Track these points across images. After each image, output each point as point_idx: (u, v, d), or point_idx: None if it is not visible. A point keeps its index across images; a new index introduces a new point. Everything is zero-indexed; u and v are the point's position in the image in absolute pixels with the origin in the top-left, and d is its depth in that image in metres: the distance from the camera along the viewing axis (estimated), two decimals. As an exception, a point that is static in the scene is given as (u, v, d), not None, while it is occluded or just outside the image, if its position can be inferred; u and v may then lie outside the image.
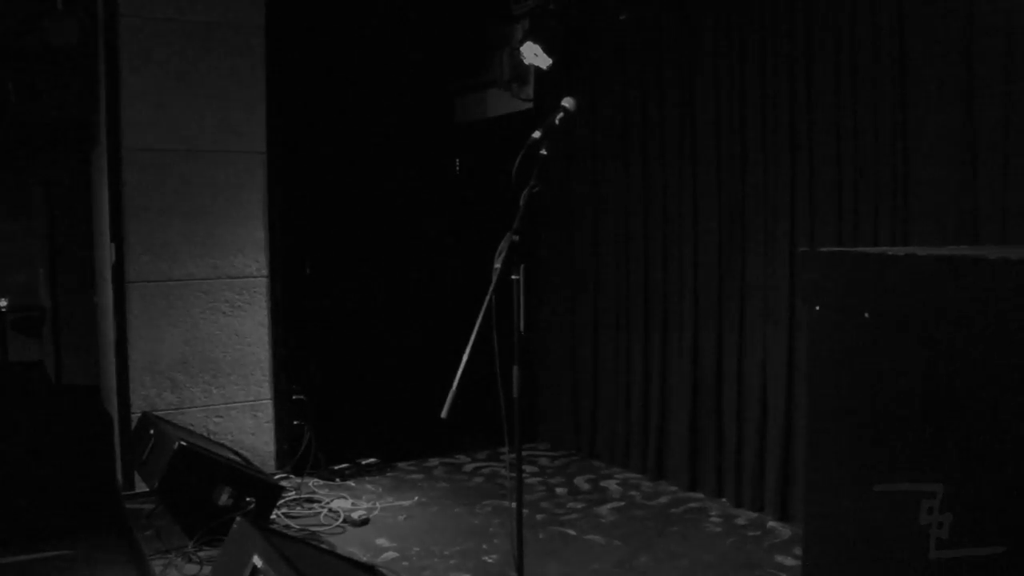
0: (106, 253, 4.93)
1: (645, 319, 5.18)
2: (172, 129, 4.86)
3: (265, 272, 5.17)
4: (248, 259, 5.11)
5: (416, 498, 4.82)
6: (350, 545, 4.09)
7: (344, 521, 4.40)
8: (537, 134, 3.17)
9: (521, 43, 5.53)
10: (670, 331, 5.03)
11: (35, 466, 4.75)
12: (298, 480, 4.99)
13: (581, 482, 5.14)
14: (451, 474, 5.32)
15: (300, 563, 2.46)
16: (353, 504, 4.65)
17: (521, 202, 3.12)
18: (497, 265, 3.04)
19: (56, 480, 4.72)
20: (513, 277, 3.06)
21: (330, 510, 4.54)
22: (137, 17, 4.74)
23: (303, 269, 6.12)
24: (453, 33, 6.49)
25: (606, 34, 5.35)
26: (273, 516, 4.26)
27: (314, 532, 4.26)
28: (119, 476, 4.89)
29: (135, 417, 4.79)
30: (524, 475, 3.98)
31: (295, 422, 5.23)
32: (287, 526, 4.31)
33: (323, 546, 3.94)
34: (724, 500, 4.71)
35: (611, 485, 5.07)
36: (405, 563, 3.90)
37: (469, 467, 5.45)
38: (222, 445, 4.84)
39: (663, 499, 4.79)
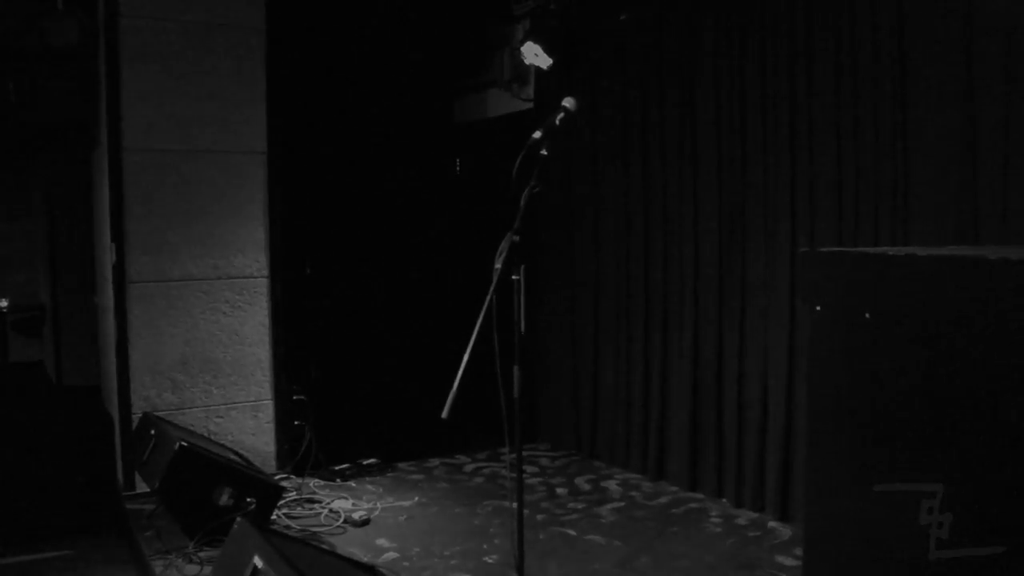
0: (106, 253, 4.93)
1: (645, 319, 5.18)
2: (172, 129, 4.86)
3: (265, 272, 5.17)
4: (248, 259, 5.12)
5: (417, 498, 4.82)
6: (351, 545, 4.09)
7: (345, 521, 4.40)
8: (537, 134, 3.17)
9: (522, 43, 5.53)
10: (670, 331, 5.03)
11: (35, 466, 4.74)
12: (299, 480, 4.99)
13: (581, 482, 5.14)
14: (452, 474, 5.32)
15: (300, 563, 2.46)
16: (354, 504, 4.65)
17: (521, 202, 3.12)
18: (497, 265, 3.04)
19: (56, 480, 4.72)
20: (513, 277, 3.06)
21: (331, 510, 4.54)
22: (137, 17, 4.74)
23: (303, 269, 6.12)
24: (453, 33, 6.49)
25: (606, 34, 5.35)
26: (274, 516, 4.27)
27: (315, 532, 4.26)
28: (120, 476, 4.89)
29: (136, 417, 4.79)
30: (524, 475, 3.98)
31: (296, 422, 5.23)
32: (287, 526, 4.31)
33: (323, 546, 3.94)
34: (724, 500, 4.71)
35: (611, 485, 5.07)
36: (405, 563, 3.90)
37: (470, 467, 5.46)
38: (223, 445, 4.85)
39: (663, 499, 4.79)
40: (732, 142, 4.59)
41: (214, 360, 5.04)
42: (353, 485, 5.04)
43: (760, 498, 4.49)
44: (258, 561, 2.47)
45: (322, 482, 5.03)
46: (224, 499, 3.97)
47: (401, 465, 5.45)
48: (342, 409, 5.96)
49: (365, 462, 5.30)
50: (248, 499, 4.02)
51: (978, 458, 1.83)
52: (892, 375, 2.06)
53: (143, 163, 4.81)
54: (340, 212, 6.42)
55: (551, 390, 5.99)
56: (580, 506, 4.69)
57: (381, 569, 3.71)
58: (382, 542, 4.16)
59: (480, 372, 3.03)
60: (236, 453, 4.72)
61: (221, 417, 5.08)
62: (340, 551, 3.86)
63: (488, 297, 3.00)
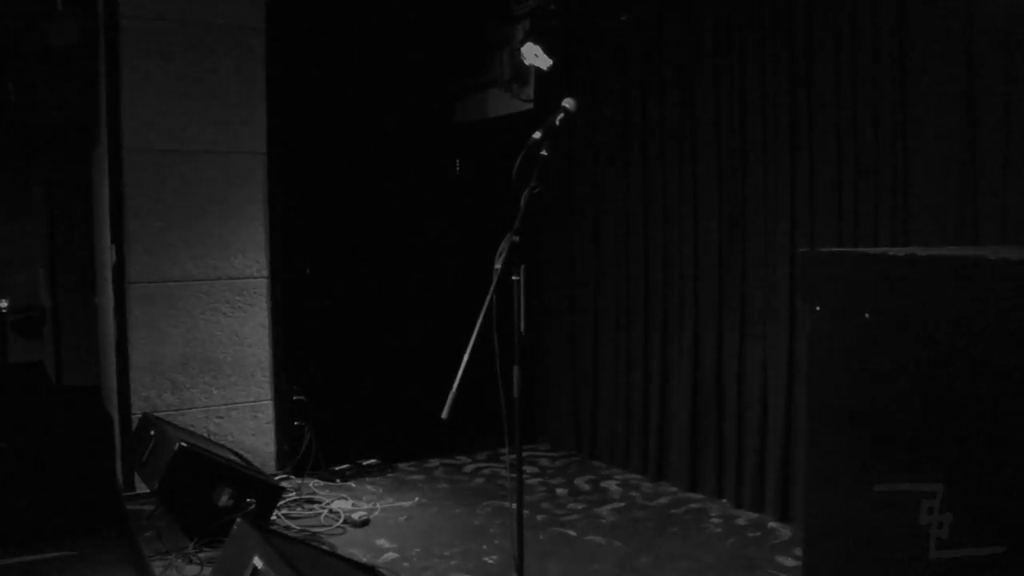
0: (106, 254, 4.93)
1: (645, 319, 5.18)
2: (172, 130, 4.86)
3: (265, 273, 5.17)
4: (248, 260, 5.12)
5: (416, 499, 4.82)
6: (350, 546, 4.09)
7: (344, 522, 4.40)
8: (537, 135, 3.17)
9: (521, 44, 5.53)
10: (670, 331, 5.03)
11: (35, 467, 4.75)
12: (298, 481, 4.99)
13: (581, 483, 5.14)
14: (451, 475, 5.32)
15: (300, 564, 2.46)
16: (353, 505, 4.65)
17: (521, 203, 3.11)
18: (497, 266, 3.04)
19: (56, 481, 4.72)
20: (513, 278, 3.06)
21: (330, 511, 4.54)
22: (137, 18, 4.74)
23: (303, 270, 6.12)
24: (453, 33, 6.49)
25: (606, 34, 5.35)
26: (273, 517, 4.26)
27: (314, 533, 4.26)
28: (119, 477, 4.89)
29: (135, 418, 4.79)
30: (524, 476, 3.98)
31: (295, 423, 5.23)
32: (287, 527, 4.31)
33: (323, 547, 3.94)
34: (724, 501, 4.71)
35: (611, 486, 5.06)
36: (405, 564, 3.90)
37: (469, 468, 5.45)
38: (222, 446, 4.84)
39: (663, 500, 4.79)
40: (732, 142, 4.59)
41: (214, 361, 5.04)
42: (353, 485, 5.04)
43: (760, 498, 4.49)
44: (258, 562, 2.47)
45: (322, 482, 5.03)
46: (224, 500, 3.97)
47: (401, 465, 5.45)
48: (342, 409, 5.96)
49: (365, 462, 5.30)
50: (248, 500, 4.02)
51: (978, 458, 1.83)
52: (892, 375, 2.06)
53: (143, 163, 4.81)
54: (340, 212, 6.42)
55: (551, 390, 5.99)
56: (580, 506, 4.69)
57: (381, 569, 3.71)
58: (382, 542, 4.15)
59: (480, 372, 3.02)
60: (236, 454, 4.72)
61: (221, 418, 5.08)
62: (340, 551, 3.86)
63: (488, 297, 2.99)
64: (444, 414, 2.86)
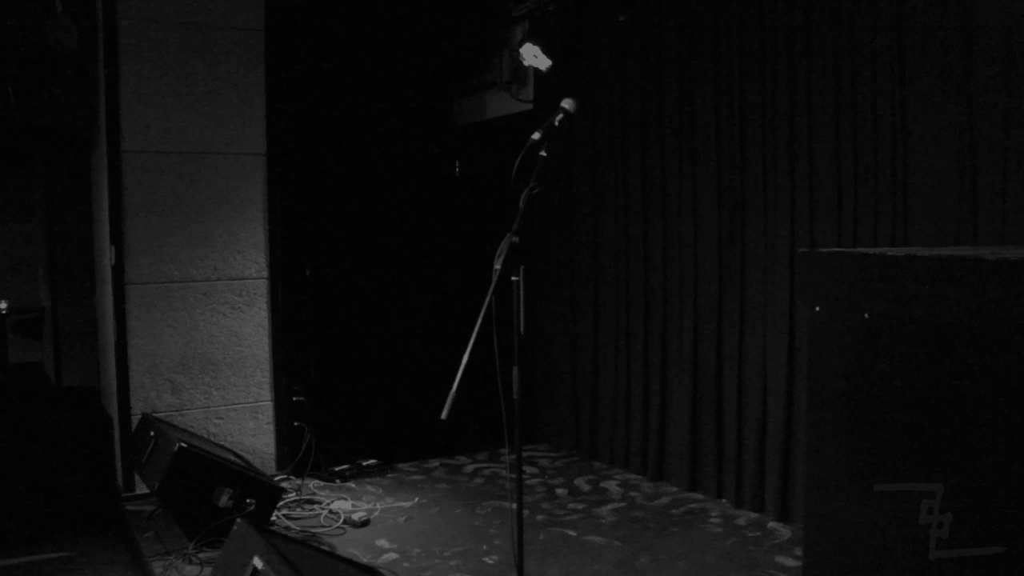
0: (106, 255, 4.93)
1: (645, 320, 5.18)
2: (172, 131, 4.86)
3: (265, 274, 5.17)
4: (248, 261, 5.12)
5: (416, 499, 4.82)
6: (350, 546, 4.09)
7: (344, 522, 4.40)
8: (537, 135, 3.17)
9: (520, 44, 5.53)
10: (670, 332, 5.03)
11: (35, 468, 4.75)
12: (298, 481, 4.99)
13: (581, 483, 5.14)
14: (451, 475, 5.32)
15: (300, 564, 2.46)
16: (353, 505, 4.65)
17: (521, 203, 3.12)
18: (497, 266, 3.04)
19: (56, 482, 4.72)
20: (513, 278, 3.06)
21: (330, 511, 4.54)
22: (136, 19, 4.74)
23: (303, 271, 6.13)
24: (452, 35, 6.49)
25: (606, 35, 5.35)
26: (273, 518, 4.27)
27: (314, 533, 4.26)
28: (119, 478, 4.89)
29: (135, 419, 4.79)
30: (524, 476, 3.98)
31: (295, 423, 5.23)
32: (287, 527, 4.31)
33: (323, 547, 3.94)
34: (724, 501, 4.71)
35: (611, 486, 5.07)
36: (406, 564, 3.90)
37: (469, 468, 5.45)
38: (222, 447, 4.85)
39: (663, 500, 4.79)
40: (732, 142, 4.59)
41: (214, 361, 5.04)
42: (353, 486, 5.04)
43: (760, 498, 4.49)
44: (258, 562, 2.47)
45: (322, 483, 5.03)
46: (224, 500, 3.97)
47: (401, 466, 5.45)
48: (342, 410, 5.96)
49: (365, 463, 5.30)
50: (248, 500, 4.02)
51: (978, 458, 1.83)
52: (892, 375, 2.06)
53: (142, 165, 4.81)
54: (339, 213, 6.42)
55: (551, 391, 5.99)
56: (580, 507, 4.69)
57: (381, 570, 3.71)
58: (382, 543, 4.15)
59: (480, 373, 3.03)
60: (236, 454, 4.72)
61: (221, 418, 5.08)
62: (340, 552, 3.86)
63: (487, 298, 3.00)
64: (444, 414, 2.87)
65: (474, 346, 2.94)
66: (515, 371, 3.08)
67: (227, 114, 4.99)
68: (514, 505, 3.17)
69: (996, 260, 1.83)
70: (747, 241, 4.54)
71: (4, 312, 6.38)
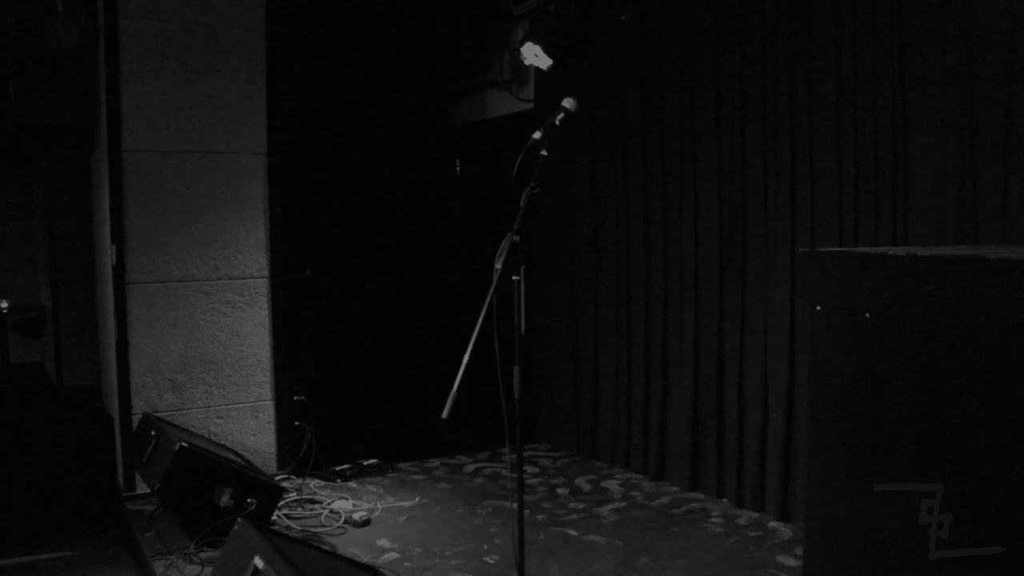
0: (107, 254, 4.93)
1: (645, 319, 5.18)
2: (172, 130, 4.86)
3: (266, 273, 5.17)
4: (248, 260, 5.12)
5: (417, 499, 4.83)
6: (351, 546, 4.09)
7: (345, 522, 4.40)
8: (537, 135, 3.18)
9: (521, 44, 5.53)
10: (670, 331, 5.03)
11: (36, 467, 4.75)
12: (299, 481, 5.00)
13: (582, 482, 5.14)
14: (452, 475, 5.32)
15: (301, 564, 2.47)
16: (354, 505, 4.65)
17: (521, 203, 3.12)
18: (498, 266, 3.04)
19: (57, 481, 4.72)
20: (514, 278, 3.07)
21: (331, 511, 4.54)
22: (137, 18, 4.74)
23: (304, 270, 6.12)
24: (453, 34, 6.49)
25: (607, 35, 5.35)
26: (274, 517, 4.27)
27: (315, 533, 4.26)
28: (120, 477, 4.89)
29: (136, 418, 4.79)
30: (525, 476, 3.99)
31: (296, 423, 5.23)
32: (288, 527, 4.32)
33: (324, 547, 3.94)
34: (725, 500, 4.71)
35: (612, 485, 5.07)
36: (406, 564, 3.90)
37: (470, 468, 5.46)
38: (223, 446, 4.85)
39: (664, 499, 4.80)
40: (732, 142, 4.59)
41: (214, 361, 5.04)
42: (354, 485, 5.04)
43: (761, 498, 4.49)
44: (258, 562, 2.47)
45: (323, 483, 5.04)
46: (225, 500, 3.97)
47: (402, 465, 5.46)
48: (343, 410, 5.96)
49: (366, 462, 5.31)
50: (249, 500, 4.02)
51: (978, 458, 1.83)
52: (892, 375, 2.06)
53: (143, 164, 4.81)
54: (340, 213, 6.42)
55: (551, 390, 5.99)
56: (581, 506, 4.69)
57: (382, 570, 3.71)
58: (383, 542, 4.16)
59: (480, 372, 3.03)
60: (237, 454, 4.72)
61: (222, 418, 5.09)
62: (341, 551, 3.86)
63: (488, 297, 3.00)
64: (445, 414, 2.87)
65: (475, 345, 2.94)
66: (516, 371, 3.08)
67: (228, 113, 4.99)
68: (515, 505, 3.18)
69: (997, 260, 1.83)
70: (748, 241, 4.54)
71: (4, 311, 6.38)
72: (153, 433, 4.33)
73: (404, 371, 6.44)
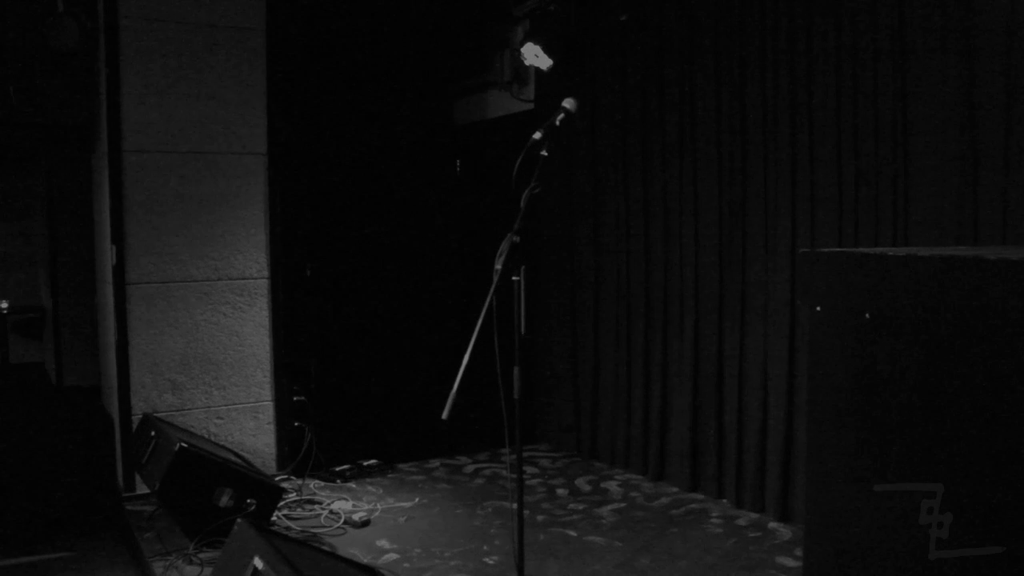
0: (106, 254, 4.93)
1: (646, 320, 5.18)
2: (173, 131, 4.87)
3: (266, 274, 5.17)
4: (249, 261, 5.12)
5: (417, 499, 4.82)
6: (351, 546, 4.09)
7: (345, 523, 4.40)
8: (537, 135, 3.18)
9: (521, 44, 5.54)
10: (670, 331, 5.03)
11: (35, 468, 4.74)
12: (299, 482, 5.00)
13: (582, 483, 5.14)
14: (452, 475, 5.32)
15: (301, 565, 2.46)
16: (354, 505, 4.65)
17: (522, 203, 3.12)
18: (498, 266, 3.04)
19: (56, 482, 4.72)
20: (514, 278, 3.07)
21: (331, 511, 4.54)
22: (137, 19, 4.75)
23: (304, 271, 6.13)
24: (453, 34, 6.50)
25: (606, 35, 5.35)
26: (274, 518, 4.27)
27: (315, 534, 4.26)
28: (120, 478, 4.89)
29: (136, 419, 4.79)
30: (525, 476, 3.98)
31: (296, 424, 5.23)
32: (288, 528, 4.31)
33: (324, 547, 3.94)
34: (725, 501, 4.71)
35: (612, 486, 5.07)
36: (406, 564, 3.90)
37: (470, 468, 5.45)
38: (223, 447, 4.85)
39: (664, 500, 4.79)
40: (732, 142, 4.59)
41: (214, 361, 5.04)
42: (353, 486, 5.04)
43: (760, 499, 4.49)
44: (258, 562, 2.47)
45: (322, 483, 5.04)
46: (224, 500, 3.97)
47: (401, 466, 5.45)
48: (342, 410, 5.96)
49: (365, 463, 5.31)
50: (248, 500, 4.02)
51: (978, 458, 1.83)
52: (892, 375, 2.06)
53: (143, 164, 4.81)
54: (340, 213, 6.42)
55: (551, 391, 5.99)
56: (580, 507, 4.69)
57: (381, 570, 3.71)
58: (382, 543, 4.16)
59: (480, 373, 3.03)
60: (236, 454, 4.72)
61: (221, 418, 5.08)
62: (340, 552, 3.86)
63: (488, 298, 3.00)
64: (444, 414, 2.87)
65: (475, 346, 2.94)
66: (516, 371, 3.08)
67: (228, 114, 4.99)
68: (515, 505, 3.18)
69: (997, 260, 1.83)
70: (748, 241, 4.54)
71: (5, 312, 6.38)
72: (153, 433, 4.33)
73: (404, 372, 6.44)
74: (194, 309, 4.97)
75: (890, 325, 2.07)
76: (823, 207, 4.13)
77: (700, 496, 4.82)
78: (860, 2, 3.91)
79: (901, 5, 3.75)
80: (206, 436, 4.96)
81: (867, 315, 2.12)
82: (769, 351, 4.42)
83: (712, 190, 4.72)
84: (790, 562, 3.85)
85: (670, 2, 4.89)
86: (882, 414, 2.09)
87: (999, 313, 1.80)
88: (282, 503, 4.40)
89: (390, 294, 6.63)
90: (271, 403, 5.22)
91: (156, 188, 4.84)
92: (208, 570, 3.67)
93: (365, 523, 4.40)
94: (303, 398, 5.25)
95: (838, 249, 3.76)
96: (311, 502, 4.70)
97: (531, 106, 6.01)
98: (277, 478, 4.93)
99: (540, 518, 4.51)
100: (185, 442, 3.98)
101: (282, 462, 5.24)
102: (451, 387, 2.86)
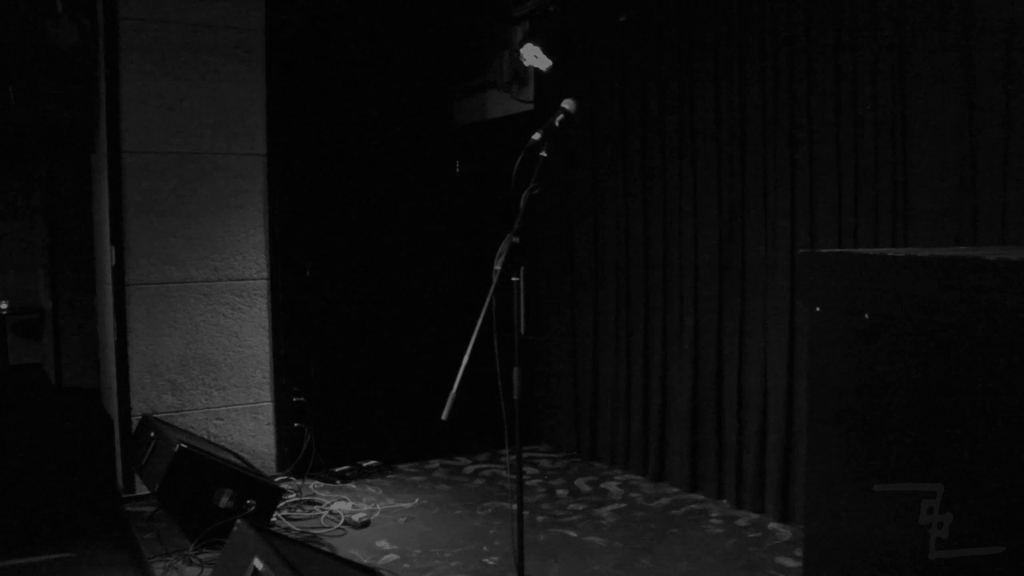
0: (106, 255, 4.93)
1: (645, 320, 5.18)
2: (172, 131, 4.86)
3: (265, 275, 5.17)
4: (248, 262, 5.12)
5: (417, 500, 4.82)
6: (351, 547, 4.09)
7: (345, 523, 4.40)
8: (537, 135, 3.18)
9: (521, 45, 5.54)
10: (670, 332, 5.03)
11: (35, 469, 4.74)
12: (299, 482, 4.99)
13: (582, 484, 5.14)
14: (452, 476, 5.32)
15: (300, 565, 2.46)
16: (354, 506, 4.65)
17: (521, 204, 3.12)
18: (497, 267, 3.04)
19: (56, 483, 4.72)
20: (513, 279, 3.06)
21: (331, 512, 4.53)
22: (137, 19, 4.74)
23: (303, 271, 6.13)
24: (453, 35, 6.49)
25: (606, 35, 5.35)
26: (274, 518, 4.26)
27: (315, 534, 4.26)
28: (119, 479, 4.89)
29: (135, 419, 4.79)
30: (525, 477, 3.98)
31: (295, 424, 5.23)
32: (288, 528, 4.31)
33: (324, 548, 3.94)
34: (725, 502, 4.71)
35: (612, 487, 5.06)
36: (406, 565, 3.90)
37: (470, 469, 5.45)
38: (223, 447, 4.85)
39: (664, 501, 4.79)
40: (732, 142, 4.59)
41: (214, 362, 5.04)
42: (353, 487, 5.04)
43: (760, 499, 4.49)
44: (258, 563, 2.47)
45: (322, 484, 5.03)
46: (224, 501, 3.97)
47: (401, 467, 5.45)
48: (342, 411, 5.96)
49: (365, 464, 5.30)
50: (248, 501, 4.02)
51: (978, 458, 1.83)
52: (892, 375, 2.06)
53: (142, 165, 4.81)
54: (340, 214, 6.42)
55: (551, 391, 5.99)
56: (580, 507, 4.69)
57: (381, 571, 3.71)
58: (382, 544, 4.15)
59: (480, 374, 3.03)
60: (236, 455, 4.72)
61: (221, 419, 5.08)
62: (340, 553, 3.85)
63: (488, 298, 3.00)
64: (444, 415, 2.86)
65: (474, 346, 2.94)
66: (515, 372, 3.08)
67: (228, 114, 4.99)
68: (514, 506, 3.17)
69: (996, 260, 1.83)
70: (747, 241, 4.54)
71: (4, 313, 6.38)
72: (152, 434, 4.33)
73: (403, 372, 6.44)
74: (194, 310, 4.97)
75: (890, 325, 2.07)
76: (823, 207, 4.13)
77: (700, 496, 4.82)
78: (860, 2, 3.91)
79: (901, 5, 3.75)
80: (206, 437, 4.96)
81: (867, 315, 2.12)
82: (769, 351, 4.41)
83: (712, 190, 4.71)
84: (790, 562, 3.85)
85: (670, 2, 4.89)
86: (882, 414, 2.09)
87: (999, 313, 1.80)
88: (282, 504, 4.40)
89: (390, 295, 6.63)
90: (271, 404, 5.22)
91: (156, 189, 4.84)
92: (208, 571, 3.67)
93: (365, 524, 4.40)
94: (303, 399, 5.25)
95: (838, 249, 3.76)
96: (311, 503, 4.70)
97: (531, 107, 6.01)
98: (277, 479, 4.93)
99: (540, 519, 4.51)
100: (185, 443, 3.98)
101: (282, 463, 5.24)
102: (451, 388, 2.86)
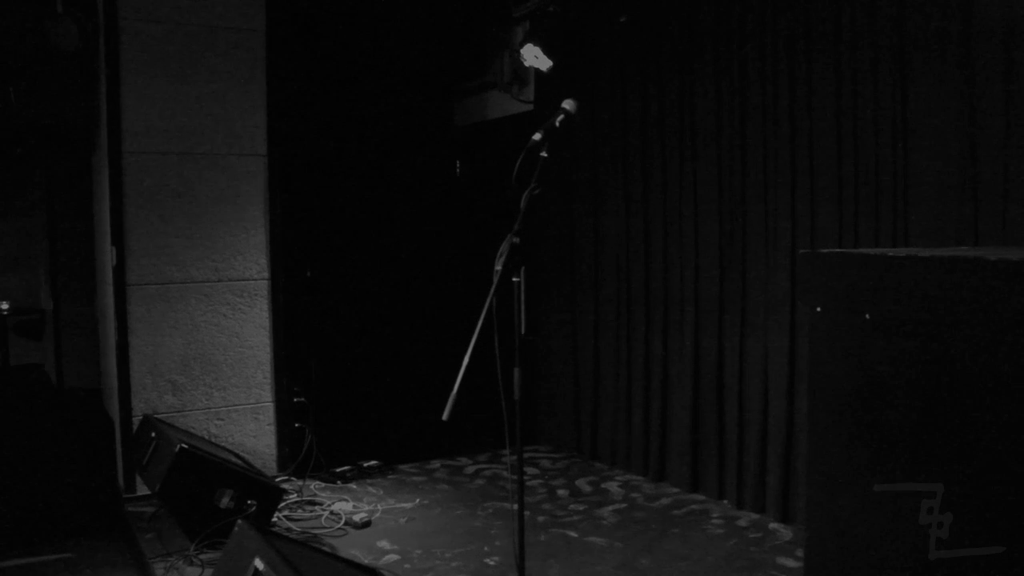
0: (107, 256, 4.94)
1: (646, 320, 5.18)
2: (173, 132, 4.87)
3: (266, 275, 5.17)
4: (249, 262, 5.12)
5: (418, 500, 4.82)
6: (352, 547, 4.09)
7: (346, 523, 4.40)
8: (537, 136, 3.17)
9: (521, 45, 5.53)
10: (671, 332, 5.03)
11: (36, 469, 4.74)
12: (299, 483, 4.99)
13: (582, 484, 5.14)
14: (452, 476, 5.32)
15: (301, 566, 2.46)
16: (355, 506, 4.65)
17: (522, 204, 3.12)
18: (498, 267, 3.04)
19: (57, 483, 4.71)
20: (514, 279, 3.06)
21: (331, 512, 4.54)
22: (137, 20, 4.75)
23: (304, 272, 6.13)
24: (453, 35, 6.49)
25: (606, 36, 5.35)
26: (274, 519, 4.27)
27: (316, 535, 4.26)
28: (120, 479, 4.89)
29: (136, 420, 4.80)
30: (525, 477, 3.98)
31: (296, 425, 5.23)
32: (288, 529, 4.32)
33: (324, 548, 3.94)
34: (725, 502, 4.71)
35: (612, 487, 5.06)
36: (407, 565, 3.90)
37: (470, 469, 5.45)
38: (223, 448, 4.85)
39: (664, 501, 4.79)
40: (732, 142, 4.59)
41: (215, 362, 5.04)
42: (354, 487, 5.04)
43: (761, 499, 4.49)
44: (259, 563, 2.47)
45: (323, 484, 5.04)
46: (225, 501, 3.97)
47: (402, 467, 5.45)
48: (343, 411, 5.96)
49: (366, 464, 5.31)
50: (249, 501, 4.02)
51: (978, 458, 1.83)
52: (892, 375, 2.06)
53: (143, 165, 4.81)
54: (340, 214, 6.43)
55: (552, 391, 5.99)
56: (581, 508, 4.69)
57: (382, 571, 3.71)
58: (383, 544, 4.16)
59: (481, 374, 3.02)
60: (237, 455, 4.72)
61: (222, 419, 5.08)
62: (341, 553, 3.86)
63: (488, 299, 3.00)
64: (445, 416, 2.86)
65: (475, 347, 2.94)
66: (516, 372, 3.08)
67: (228, 114, 5.00)
68: (515, 506, 3.17)
69: (997, 260, 1.83)
70: (748, 241, 4.54)
71: (5, 313, 6.38)
72: (153, 435, 4.33)
73: (404, 372, 6.44)
74: (194, 310, 4.98)
75: (890, 325, 2.07)
76: (823, 207, 4.13)
77: (701, 497, 4.82)
78: (860, 2, 3.91)
79: (901, 5, 3.75)
80: (206, 437, 4.96)
81: (867, 315, 2.12)
82: (769, 351, 4.41)
83: (712, 190, 4.71)
84: (791, 563, 3.85)
85: (670, 3, 4.89)
86: (882, 414, 2.09)
87: (999, 313, 1.80)
88: (283, 504, 4.40)
89: (390, 295, 6.63)
90: (271, 404, 5.22)
91: (156, 189, 4.85)
92: (209, 571, 3.67)
93: (366, 524, 4.40)
94: (303, 399, 5.25)
95: (838, 249, 3.76)
96: (312, 503, 4.70)
97: (531, 107, 6.01)
98: (278, 479, 4.93)
99: (541, 519, 4.51)
100: (186, 443, 3.98)
101: (283, 463, 5.24)
102: (451, 388, 2.86)
